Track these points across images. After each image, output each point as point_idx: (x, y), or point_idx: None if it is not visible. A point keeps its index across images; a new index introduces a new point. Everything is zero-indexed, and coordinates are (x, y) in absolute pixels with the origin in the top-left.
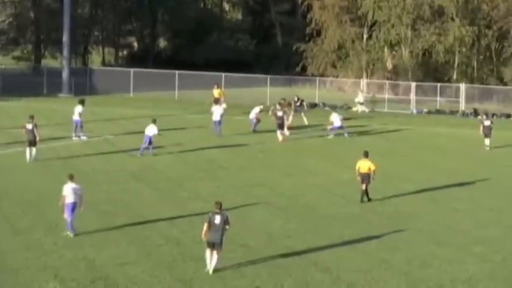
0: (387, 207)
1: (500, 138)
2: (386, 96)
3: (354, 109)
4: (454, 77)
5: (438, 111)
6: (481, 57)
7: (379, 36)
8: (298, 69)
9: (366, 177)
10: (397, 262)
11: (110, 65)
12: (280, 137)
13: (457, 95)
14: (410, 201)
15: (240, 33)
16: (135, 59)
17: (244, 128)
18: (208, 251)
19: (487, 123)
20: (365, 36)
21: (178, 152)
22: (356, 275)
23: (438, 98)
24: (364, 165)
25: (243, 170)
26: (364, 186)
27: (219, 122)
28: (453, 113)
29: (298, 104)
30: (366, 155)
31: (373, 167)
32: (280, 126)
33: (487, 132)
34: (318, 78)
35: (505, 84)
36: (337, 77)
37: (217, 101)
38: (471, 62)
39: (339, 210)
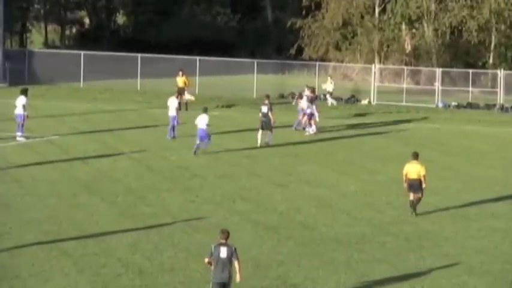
0: (406, 227)
1: None
2: (405, 85)
3: (329, 102)
4: (491, 61)
5: (470, 105)
6: None
7: (395, 9)
8: (292, 51)
9: (415, 185)
10: None
11: (55, 47)
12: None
13: (494, 85)
14: (435, 219)
15: (219, 5)
16: (87, 39)
17: (224, 126)
18: None
19: None
20: (377, 9)
21: (141, 157)
22: None
23: (470, 89)
24: (413, 170)
25: (223, 179)
26: (412, 196)
27: (175, 119)
28: (489, 107)
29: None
30: (416, 156)
31: (423, 172)
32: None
33: None
34: (317, 63)
35: None
36: (342, 61)
37: (181, 92)
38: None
39: (344, 230)
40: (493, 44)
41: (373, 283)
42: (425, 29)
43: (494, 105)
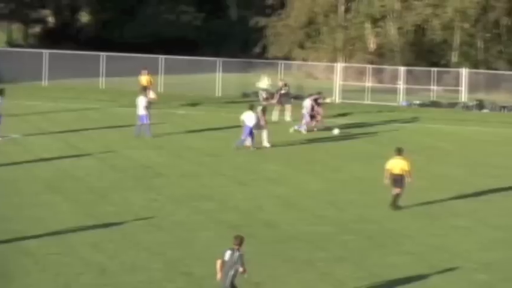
0: (368, 225)
1: (510, 139)
2: (368, 84)
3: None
4: (454, 60)
5: (433, 103)
6: (488, 35)
7: (359, 8)
8: (257, 50)
9: (398, 180)
10: None
11: (18, 45)
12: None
13: (457, 83)
14: (398, 217)
15: (183, 4)
16: (50, 38)
17: (188, 125)
18: None
19: None
20: (342, 8)
21: (104, 156)
22: None
23: (433, 87)
24: (396, 166)
25: (186, 177)
26: (395, 191)
27: (145, 118)
28: (452, 105)
29: (284, 92)
30: (399, 152)
31: (406, 167)
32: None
33: None
34: (281, 62)
35: None
36: (306, 60)
37: (144, 90)
38: (475, 41)
39: (307, 228)
40: (456, 43)
41: (335, 281)
42: (389, 27)
43: (457, 103)
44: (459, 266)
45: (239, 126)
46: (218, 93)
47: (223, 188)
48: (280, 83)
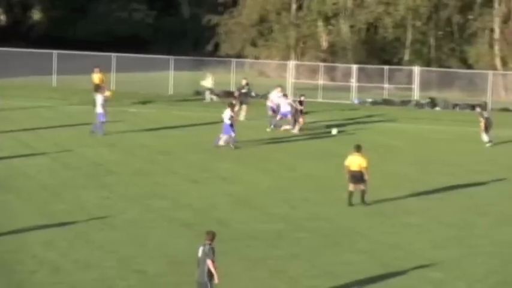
0: (321, 223)
1: (462, 136)
2: (321, 82)
3: (207, 98)
4: (406, 58)
5: (386, 101)
6: (440, 33)
7: (311, 6)
8: (209, 48)
9: (356, 176)
10: None
11: None
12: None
13: (409, 81)
14: (351, 215)
15: (135, 2)
16: (1, 36)
17: (140, 123)
18: None
19: (486, 115)
20: (294, 6)
21: (56, 153)
22: None
23: (386, 85)
24: (354, 162)
25: (139, 175)
26: (351, 187)
27: (101, 116)
28: (405, 103)
29: (244, 91)
30: (358, 149)
31: (364, 164)
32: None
33: (489, 125)
34: (234, 60)
35: (470, 67)
36: (258, 58)
37: (98, 88)
38: (427, 39)
39: (260, 226)
40: (408, 41)
41: (289, 279)
42: (342, 25)
43: (410, 101)
44: (412, 264)
45: (192, 124)
46: (170, 91)
47: (176, 186)
48: (243, 82)
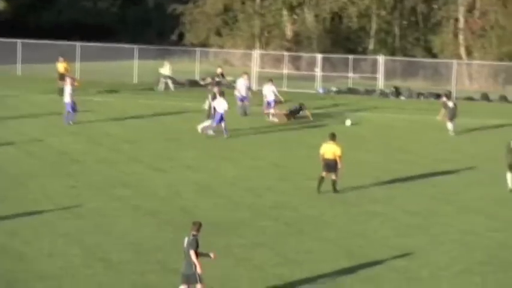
0: (285, 211)
1: (427, 125)
2: (285, 71)
3: (159, 87)
4: (371, 47)
5: (350, 90)
6: (404, 22)
7: None
8: (174, 37)
9: (330, 164)
10: (297, 279)
11: None
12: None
13: (374, 70)
14: (315, 203)
15: None
16: None
17: (105, 112)
18: None
19: (451, 104)
20: None
21: (21, 143)
22: None
23: (350, 74)
24: (328, 150)
25: (104, 164)
26: (324, 174)
27: (68, 105)
28: (369, 92)
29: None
30: (332, 137)
31: (338, 152)
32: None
33: (452, 115)
34: (198, 49)
35: (434, 56)
36: (223, 47)
37: (62, 78)
38: (392, 28)
39: (225, 214)
40: (373, 30)
41: (253, 267)
42: (306, 14)
43: (374, 90)
44: (377, 252)
45: (157, 113)
46: (135, 80)
47: (141, 174)
48: (219, 70)
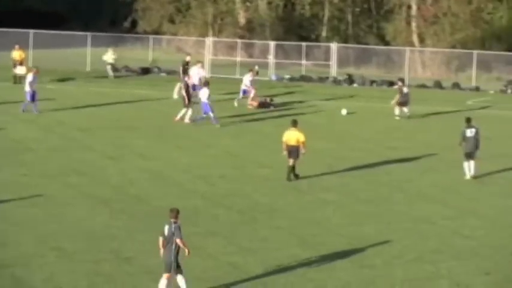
0: (238, 199)
1: (379, 113)
2: (239, 59)
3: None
4: (324, 34)
5: (303, 78)
6: (357, 9)
7: None
8: (126, 24)
9: (293, 151)
10: (251, 268)
11: None
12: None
13: (327, 58)
14: (268, 191)
15: None
16: None
17: (58, 100)
18: (163, 279)
19: (406, 90)
20: None
21: None
22: (199, 284)
23: (303, 61)
24: (291, 137)
25: (56, 152)
26: (291, 162)
27: (28, 94)
28: (322, 79)
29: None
30: (294, 124)
31: (302, 139)
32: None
33: (406, 100)
34: (151, 37)
35: (387, 43)
36: (176, 34)
37: (16, 65)
38: (344, 16)
39: (178, 203)
40: (326, 17)
41: (207, 255)
42: (259, 2)
43: (327, 78)
44: (331, 240)
45: (110, 101)
46: (88, 68)
47: (94, 162)
48: (187, 58)
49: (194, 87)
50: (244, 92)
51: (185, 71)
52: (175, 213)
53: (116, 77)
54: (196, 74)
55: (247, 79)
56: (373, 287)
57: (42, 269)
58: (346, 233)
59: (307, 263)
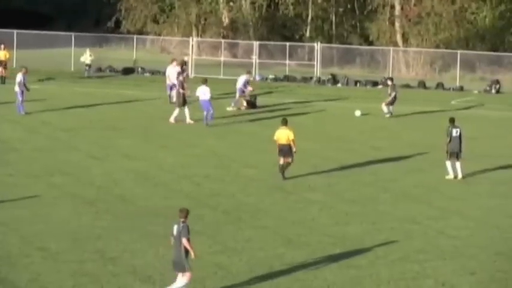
0: (223, 199)
1: (365, 113)
2: (222, 58)
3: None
4: (307, 34)
5: (287, 78)
6: (341, 9)
7: None
8: (110, 24)
9: (285, 150)
10: (236, 268)
11: None
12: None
13: (311, 58)
14: (253, 191)
15: None
16: None
17: (42, 100)
18: (179, 278)
19: (396, 89)
20: None
21: None
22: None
23: (287, 61)
24: (282, 136)
25: (41, 152)
26: (282, 160)
27: (18, 94)
28: (306, 79)
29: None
30: (285, 122)
31: (291, 137)
32: None
33: (394, 100)
34: (135, 37)
35: (371, 43)
36: (159, 34)
37: (3, 65)
38: (328, 16)
39: (163, 203)
40: (309, 17)
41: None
42: (243, 2)
43: (311, 78)
44: (316, 240)
45: (94, 101)
46: (72, 68)
47: (79, 162)
48: (185, 58)
49: (172, 86)
50: (242, 92)
51: (183, 71)
52: (185, 213)
53: (88, 76)
54: (174, 72)
55: (242, 80)
56: (359, 287)
57: (28, 269)
58: (332, 232)
59: (293, 263)
